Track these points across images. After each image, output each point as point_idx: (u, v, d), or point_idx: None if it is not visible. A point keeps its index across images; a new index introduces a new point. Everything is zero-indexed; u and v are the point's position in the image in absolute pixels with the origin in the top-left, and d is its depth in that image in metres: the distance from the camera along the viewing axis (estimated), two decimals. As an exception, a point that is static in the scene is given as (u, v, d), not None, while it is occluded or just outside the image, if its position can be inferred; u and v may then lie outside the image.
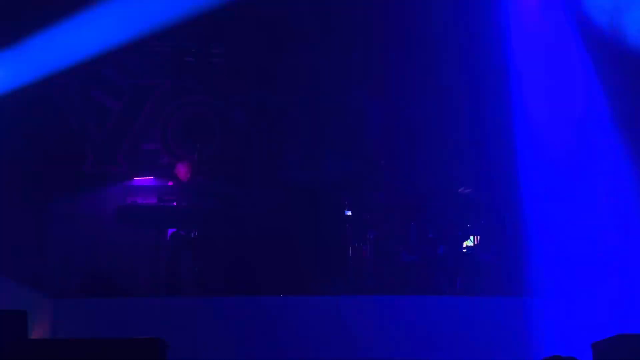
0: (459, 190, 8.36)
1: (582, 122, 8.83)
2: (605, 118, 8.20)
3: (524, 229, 8.18)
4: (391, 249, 7.92)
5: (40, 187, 9.10)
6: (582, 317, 6.65)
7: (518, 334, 6.64)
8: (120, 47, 8.90)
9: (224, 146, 9.76)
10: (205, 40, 10.03)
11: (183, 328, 6.48)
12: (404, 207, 8.31)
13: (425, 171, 9.63)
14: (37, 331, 6.11)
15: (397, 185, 8.87)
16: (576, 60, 8.38)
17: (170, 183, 9.14)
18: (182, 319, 6.66)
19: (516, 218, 8.04)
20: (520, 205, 8.33)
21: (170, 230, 8.52)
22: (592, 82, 8.38)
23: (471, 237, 8.13)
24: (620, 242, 7.42)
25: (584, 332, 6.39)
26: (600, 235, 7.91)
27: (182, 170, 8.55)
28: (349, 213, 8.13)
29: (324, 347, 6.65)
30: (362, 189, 8.54)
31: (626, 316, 5.84)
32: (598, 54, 7.60)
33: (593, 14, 7.60)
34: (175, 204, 8.77)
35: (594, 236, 8.07)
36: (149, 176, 9.57)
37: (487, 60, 9.51)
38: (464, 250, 8.07)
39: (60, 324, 6.55)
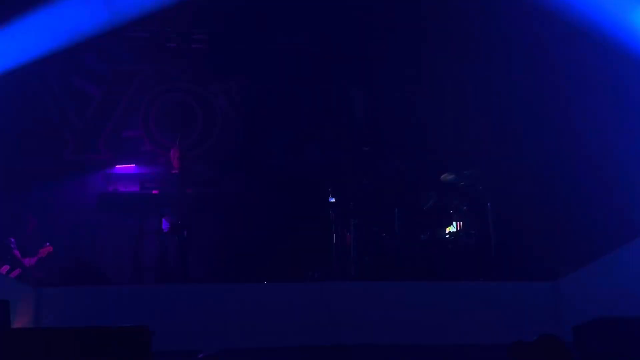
0: (442, 176, 8.38)
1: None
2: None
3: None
4: (375, 236, 7.93)
5: (20, 175, 9.01)
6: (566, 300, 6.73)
7: (501, 317, 6.69)
8: (101, 33, 8.81)
9: (206, 133, 9.72)
10: (186, 26, 9.95)
11: (168, 315, 6.46)
12: (387, 193, 8.33)
13: (409, 157, 9.66)
14: (20, 320, 6.06)
15: (380, 171, 8.88)
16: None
17: (153, 170, 9.07)
18: (167, 306, 6.62)
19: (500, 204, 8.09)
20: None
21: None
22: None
23: (454, 223, 8.17)
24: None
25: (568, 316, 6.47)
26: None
27: (174, 156, 8.50)
28: (333, 200, 8.13)
29: (309, 334, 6.66)
30: (345, 176, 8.55)
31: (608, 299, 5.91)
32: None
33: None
34: (157, 191, 8.71)
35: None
36: (130, 163, 9.50)
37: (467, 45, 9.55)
38: (447, 236, 8.10)
39: (43, 313, 6.49)
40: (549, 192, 8.95)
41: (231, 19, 9.80)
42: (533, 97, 9.66)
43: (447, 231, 8.16)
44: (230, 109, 9.85)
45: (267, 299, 6.83)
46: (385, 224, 7.98)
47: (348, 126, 9.77)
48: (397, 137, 9.71)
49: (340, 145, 9.67)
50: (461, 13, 9.05)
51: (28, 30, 8.15)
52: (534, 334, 4.75)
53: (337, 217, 8.06)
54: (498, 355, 4.45)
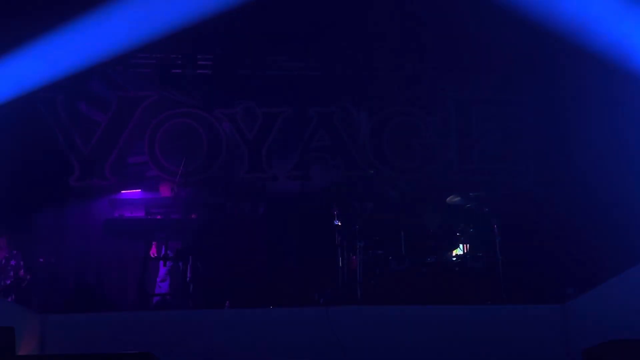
0: (448, 198, 8.35)
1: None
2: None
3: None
4: (381, 259, 7.89)
5: (27, 200, 9.03)
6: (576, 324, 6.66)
7: (510, 341, 6.63)
8: (107, 59, 8.88)
9: (211, 158, 9.73)
10: (191, 51, 10.02)
11: (173, 342, 6.42)
12: (393, 216, 8.30)
13: (414, 180, 9.64)
14: (25, 347, 6.03)
15: (386, 194, 8.86)
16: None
17: (159, 195, 9.11)
18: (172, 333, 6.59)
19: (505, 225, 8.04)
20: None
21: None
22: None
23: (461, 246, 8.13)
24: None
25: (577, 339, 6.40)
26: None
27: (165, 188, 8.61)
28: (339, 223, 8.10)
29: (315, 359, 6.61)
30: (351, 199, 8.53)
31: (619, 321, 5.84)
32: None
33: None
34: (162, 216, 8.72)
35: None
36: (136, 189, 9.51)
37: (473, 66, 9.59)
38: (454, 259, 8.05)
39: (49, 339, 6.46)
40: (557, 214, 8.90)
41: (235, 43, 9.87)
42: (538, 116, 9.66)
43: (453, 254, 8.11)
44: (235, 134, 9.87)
45: (273, 323, 6.79)
46: (391, 247, 7.94)
47: (353, 149, 9.77)
48: (403, 159, 9.71)
49: (345, 168, 9.67)
50: (463, 32, 9.09)
51: (35, 56, 8.23)
52: (543, 357, 4.70)
53: (343, 240, 8.02)
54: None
